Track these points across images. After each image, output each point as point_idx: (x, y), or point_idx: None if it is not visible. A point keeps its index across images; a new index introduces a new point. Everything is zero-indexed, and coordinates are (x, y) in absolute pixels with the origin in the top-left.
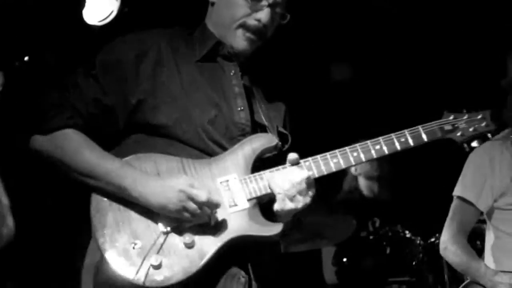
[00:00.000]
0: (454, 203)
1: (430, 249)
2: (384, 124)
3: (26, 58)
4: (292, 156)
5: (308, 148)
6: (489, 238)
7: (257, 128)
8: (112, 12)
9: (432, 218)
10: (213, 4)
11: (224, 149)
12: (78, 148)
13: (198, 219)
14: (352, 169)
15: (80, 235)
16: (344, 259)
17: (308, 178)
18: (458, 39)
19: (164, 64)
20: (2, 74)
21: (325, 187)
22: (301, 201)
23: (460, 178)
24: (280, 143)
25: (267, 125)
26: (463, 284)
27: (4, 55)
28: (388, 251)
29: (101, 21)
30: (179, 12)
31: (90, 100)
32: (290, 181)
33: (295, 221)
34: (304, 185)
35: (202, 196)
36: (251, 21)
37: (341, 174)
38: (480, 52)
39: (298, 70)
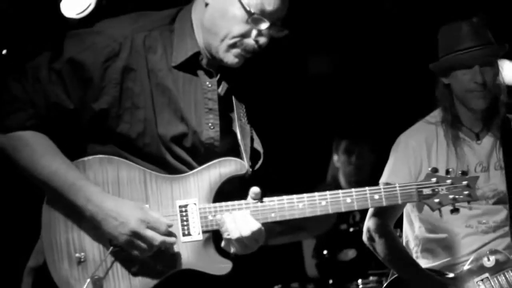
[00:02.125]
0: None
1: None
2: (365, 119)
3: (4, 52)
4: (255, 190)
5: (285, 146)
6: (416, 230)
7: (230, 143)
8: (90, 4)
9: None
10: (206, 4)
11: (188, 165)
12: (33, 155)
13: (146, 255)
14: (335, 158)
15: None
16: (325, 252)
17: (259, 231)
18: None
19: (134, 67)
20: None
21: (308, 177)
22: (244, 250)
23: (390, 162)
24: (250, 169)
25: (240, 143)
26: (390, 280)
27: None
28: None
29: (79, 13)
30: (160, 4)
31: (51, 103)
32: (239, 232)
33: None
34: (252, 238)
35: (156, 239)
36: (249, 41)
37: (326, 165)
38: None
39: (275, 62)
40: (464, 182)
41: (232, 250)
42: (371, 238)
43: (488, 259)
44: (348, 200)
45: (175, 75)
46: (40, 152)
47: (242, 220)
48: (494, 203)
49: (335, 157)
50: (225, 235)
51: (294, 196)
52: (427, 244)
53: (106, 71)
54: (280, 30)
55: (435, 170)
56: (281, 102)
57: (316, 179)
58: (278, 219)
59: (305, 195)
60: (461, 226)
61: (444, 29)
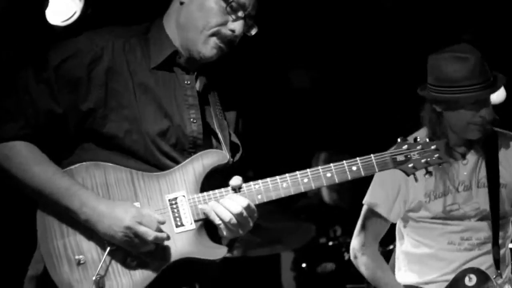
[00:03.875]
0: (365, 211)
1: (388, 257)
2: (345, 133)
3: None
4: (235, 182)
5: (266, 157)
6: (403, 245)
7: (211, 137)
8: (75, 12)
9: (392, 227)
10: (182, 3)
11: (175, 161)
12: (26, 163)
13: (143, 250)
14: None
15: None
16: (303, 265)
17: (248, 207)
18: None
19: (117, 69)
20: None
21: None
22: (241, 230)
23: (372, 185)
24: (231, 159)
25: (219, 136)
26: None
27: None
28: (346, 257)
29: (64, 21)
30: (142, 14)
31: (41, 111)
32: (229, 212)
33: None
34: (244, 214)
35: (149, 235)
36: (226, 31)
37: None
38: None
39: (257, 75)
40: (433, 146)
41: (227, 234)
42: (355, 257)
43: (470, 279)
44: (328, 174)
45: (155, 75)
46: (33, 161)
47: (228, 200)
48: (478, 220)
49: None
50: (216, 222)
51: (277, 176)
52: (413, 259)
53: (91, 73)
54: (252, 26)
55: (404, 139)
56: (263, 115)
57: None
58: (265, 199)
59: (287, 174)
60: (443, 243)
61: (438, 58)
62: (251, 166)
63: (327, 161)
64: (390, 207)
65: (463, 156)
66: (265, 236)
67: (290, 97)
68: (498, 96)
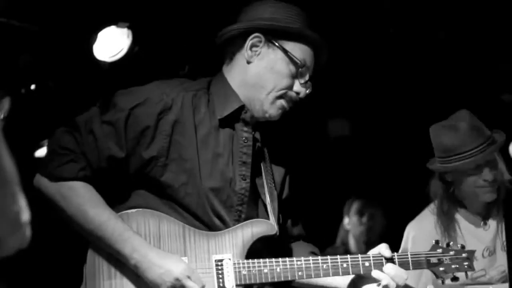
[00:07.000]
0: None
1: None
2: (381, 182)
3: (32, 87)
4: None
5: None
6: None
7: (259, 204)
8: (122, 49)
9: None
10: (249, 62)
11: (222, 220)
12: (83, 205)
13: None
14: (346, 222)
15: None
16: None
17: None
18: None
19: (184, 122)
20: (8, 100)
21: (317, 240)
22: None
23: (402, 249)
24: (278, 232)
25: (268, 208)
26: None
27: (12, 82)
28: None
29: (111, 57)
30: (189, 55)
31: (104, 156)
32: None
33: None
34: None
35: None
36: (292, 93)
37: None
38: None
39: (298, 127)
40: (464, 254)
41: None
42: None
43: None
44: (367, 264)
45: (216, 131)
46: (91, 203)
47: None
48: (503, 282)
49: (346, 220)
50: None
51: (319, 257)
52: None
53: (159, 122)
54: (310, 85)
55: (438, 242)
56: (299, 164)
57: (325, 242)
58: (304, 277)
59: (328, 257)
60: None
61: (437, 129)
62: (289, 211)
63: (359, 211)
64: (417, 277)
65: (485, 222)
66: None
67: (327, 146)
68: None
